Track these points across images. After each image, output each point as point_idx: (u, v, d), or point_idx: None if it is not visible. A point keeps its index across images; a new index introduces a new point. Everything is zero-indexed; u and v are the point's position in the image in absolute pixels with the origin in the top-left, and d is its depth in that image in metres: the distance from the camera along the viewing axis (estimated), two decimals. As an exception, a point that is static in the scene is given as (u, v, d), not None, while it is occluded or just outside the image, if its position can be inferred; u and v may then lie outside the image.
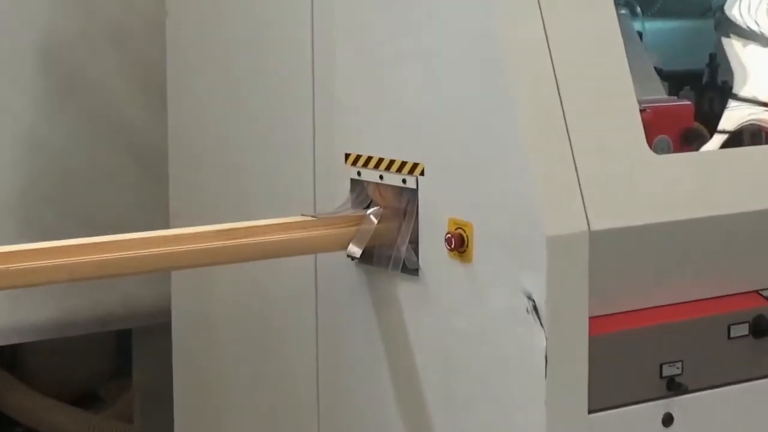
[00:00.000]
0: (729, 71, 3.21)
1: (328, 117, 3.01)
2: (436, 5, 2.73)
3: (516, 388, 2.64)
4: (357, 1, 2.92)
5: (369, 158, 2.90)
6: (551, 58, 2.63)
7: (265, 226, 2.84)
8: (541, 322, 2.57)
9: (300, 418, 3.18)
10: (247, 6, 3.26)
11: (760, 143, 3.09)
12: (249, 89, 3.26)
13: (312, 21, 3.03)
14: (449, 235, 2.71)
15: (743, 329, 2.82)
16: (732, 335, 2.81)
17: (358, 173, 2.92)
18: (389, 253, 2.86)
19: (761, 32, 3.22)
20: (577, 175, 2.61)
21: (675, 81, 3.17)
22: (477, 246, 2.69)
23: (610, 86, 2.70)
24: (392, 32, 2.84)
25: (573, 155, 2.62)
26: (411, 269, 2.82)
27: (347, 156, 2.94)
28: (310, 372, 3.12)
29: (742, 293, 2.84)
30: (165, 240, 2.76)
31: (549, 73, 2.62)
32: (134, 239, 2.73)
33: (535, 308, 2.58)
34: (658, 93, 3.03)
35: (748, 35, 3.22)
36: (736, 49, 3.21)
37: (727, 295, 2.82)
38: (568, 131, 2.62)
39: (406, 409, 2.89)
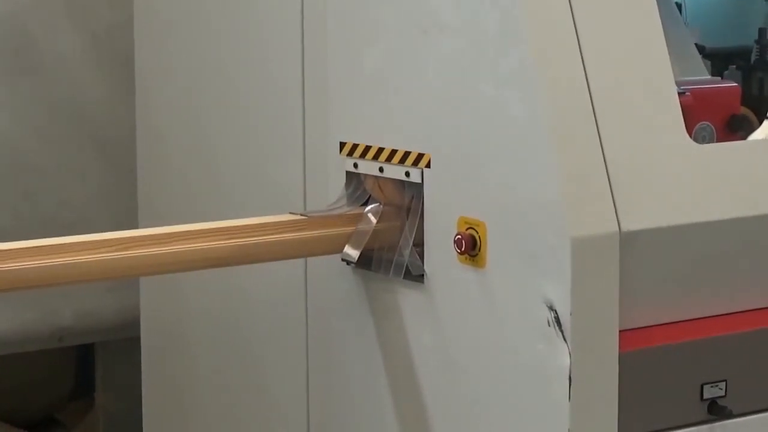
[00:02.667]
0: None
1: (319, 100, 3.03)
2: None
3: (535, 413, 2.66)
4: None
5: (367, 148, 2.92)
6: (577, 33, 2.65)
7: (247, 226, 2.86)
8: (564, 336, 2.58)
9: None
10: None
11: None
12: (230, 70, 3.29)
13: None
14: (459, 237, 2.73)
15: None
16: None
17: (355, 165, 2.95)
18: (390, 257, 2.88)
19: None
20: (606, 169, 2.63)
21: (719, 60, 3.19)
22: (491, 249, 2.71)
23: (644, 66, 2.72)
24: (394, 20, 2.86)
25: (601, 145, 2.63)
26: (415, 275, 2.84)
27: (342, 145, 2.97)
28: (299, 393, 3.16)
29: None
30: (132, 241, 2.78)
31: (575, 50, 2.64)
32: (96, 240, 2.74)
33: (557, 320, 2.59)
34: (700, 73, 3.05)
35: None
36: None
37: None
38: (596, 117, 2.64)
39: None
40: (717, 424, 2.76)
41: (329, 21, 2.99)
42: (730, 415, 2.76)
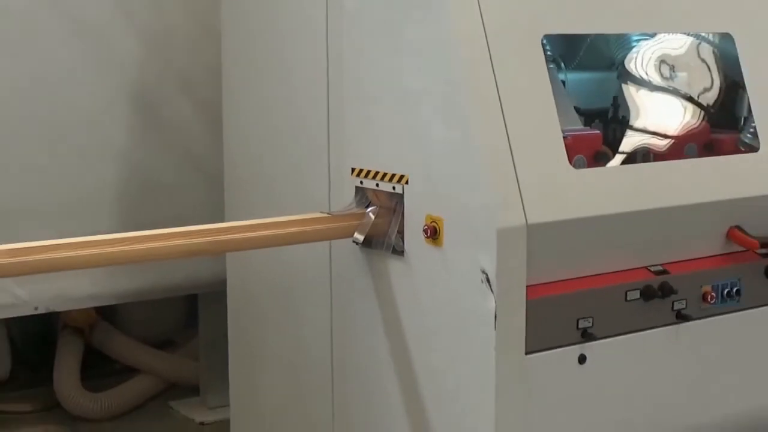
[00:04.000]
0: (627, 109, 3.20)
1: (339, 143, 3.01)
2: (419, 72, 2.73)
3: (474, 338, 2.66)
4: (359, 64, 2.91)
5: (369, 171, 2.90)
6: (500, 101, 2.65)
7: (294, 220, 2.86)
8: (492, 290, 2.59)
9: (317, 359, 3.18)
10: (278, 67, 3.23)
11: (648, 161, 3.10)
12: (282, 125, 3.24)
13: (327, 77, 3.01)
14: (426, 227, 2.73)
15: (636, 294, 2.83)
16: (628, 299, 2.82)
17: (361, 182, 2.92)
18: (383, 240, 2.86)
19: (649, 80, 3.21)
20: (518, 185, 2.63)
21: (588, 116, 3.15)
22: (446, 235, 2.71)
23: (541, 120, 2.71)
24: (385, 89, 2.84)
25: (515, 170, 2.63)
26: (398, 251, 2.83)
27: (353, 170, 2.95)
28: (325, 325, 3.13)
29: (636, 268, 2.85)
30: (222, 230, 2.78)
31: (498, 111, 2.64)
32: (200, 230, 2.75)
33: (488, 280, 2.60)
34: (576, 125, 3.02)
35: (640, 83, 3.21)
36: (632, 93, 3.20)
37: (625, 270, 2.83)
38: (512, 153, 2.64)
39: (394, 352, 2.90)
40: (586, 344, 2.76)
41: (345, 93, 2.97)
42: (594, 338, 2.77)
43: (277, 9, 3.18)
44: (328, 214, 2.92)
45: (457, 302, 2.69)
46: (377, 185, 2.87)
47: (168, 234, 2.67)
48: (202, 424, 3.87)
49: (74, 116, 3.57)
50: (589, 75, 3.21)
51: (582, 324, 2.74)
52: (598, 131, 3.05)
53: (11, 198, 3.48)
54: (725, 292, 2.97)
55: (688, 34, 3.23)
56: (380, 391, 2.93)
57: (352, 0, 2.89)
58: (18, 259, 2.48)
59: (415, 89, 2.74)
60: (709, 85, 3.27)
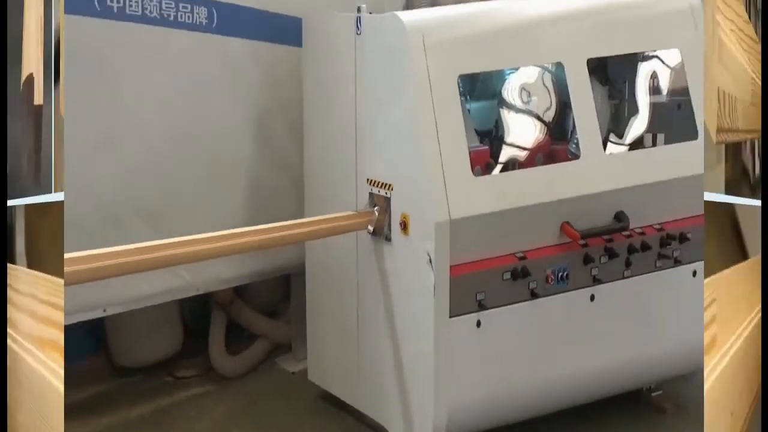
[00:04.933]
0: (503, 129, 3.16)
1: (362, 162, 3.15)
2: (398, 113, 2.89)
3: (424, 302, 2.85)
4: (370, 111, 3.04)
5: (375, 181, 3.06)
6: (437, 133, 2.80)
7: (333, 217, 3.07)
8: (432, 268, 2.77)
9: (348, 307, 3.29)
10: (329, 107, 3.29)
11: (515, 169, 3.07)
12: (333, 151, 3.31)
13: (356, 121, 3.13)
14: (401, 221, 2.93)
15: (509, 275, 2.89)
16: (504, 278, 2.89)
17: (371, 189, 3.07)
18: (381, 231, 3.04)
19: (515, 105, 3.17)
20: (446, 190, 2.77)
21: (482, 135, 3.14)
22: (412, 227, 2.90)
23: (458, 141, 2.82)
24: (382, 126, 2.98)
25: (444, 180, 2.78)
26: (388, 239, 3.00)
27: (368, 180, 3.11)
28: (353, 283, 3.22)
29: (508, 254, 2.90)
30: (299, 225, 3.02)
31: (435, 140, 2.79)
32: (285, 225, 2.93)
33: (430, 261, 2.77)
34: (476, 143, 3.04)
35: (510, 107, 3.17)
36: (505, 115, 3.17)
37: (502, 255, 2.88)
38: (443, 167, 2.78)
39: (386, 305, 3.04)
40: (481, 312, 2.86)
41: (363, 128, 3.09)
42: (486, 308, 2.86)
43: (328, 72, 3.33)
44: (354, 213, 3.10)
45: (417, 276, 2.86)
46: (378, 191, 3.02)
47: (257, 230, 2.81)
48: (293, 373, 3.84)
49: (212, 135, 3.61)
50: (482, 104, 3.21)
51: (479, 297, 2.83)
52: (487, 147, 3.07)
53: (164, 197, 3.49)
54: (559, 275, 2.95)
55: (537, 65, 3.14)
56: (380, 326, 3.09)
57: (367, 69, 3.07)
58: (184, 249, 2.69)
59: (396, 126, 2.92)
60: (549, 105, 3.17)
